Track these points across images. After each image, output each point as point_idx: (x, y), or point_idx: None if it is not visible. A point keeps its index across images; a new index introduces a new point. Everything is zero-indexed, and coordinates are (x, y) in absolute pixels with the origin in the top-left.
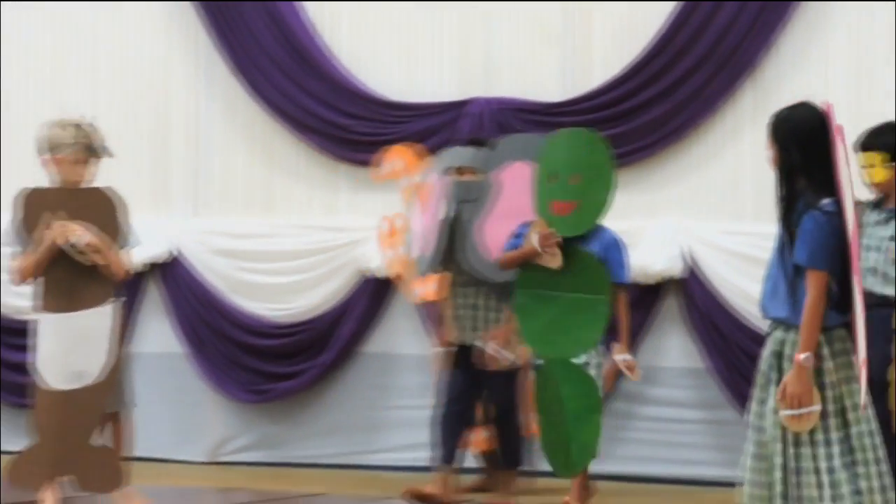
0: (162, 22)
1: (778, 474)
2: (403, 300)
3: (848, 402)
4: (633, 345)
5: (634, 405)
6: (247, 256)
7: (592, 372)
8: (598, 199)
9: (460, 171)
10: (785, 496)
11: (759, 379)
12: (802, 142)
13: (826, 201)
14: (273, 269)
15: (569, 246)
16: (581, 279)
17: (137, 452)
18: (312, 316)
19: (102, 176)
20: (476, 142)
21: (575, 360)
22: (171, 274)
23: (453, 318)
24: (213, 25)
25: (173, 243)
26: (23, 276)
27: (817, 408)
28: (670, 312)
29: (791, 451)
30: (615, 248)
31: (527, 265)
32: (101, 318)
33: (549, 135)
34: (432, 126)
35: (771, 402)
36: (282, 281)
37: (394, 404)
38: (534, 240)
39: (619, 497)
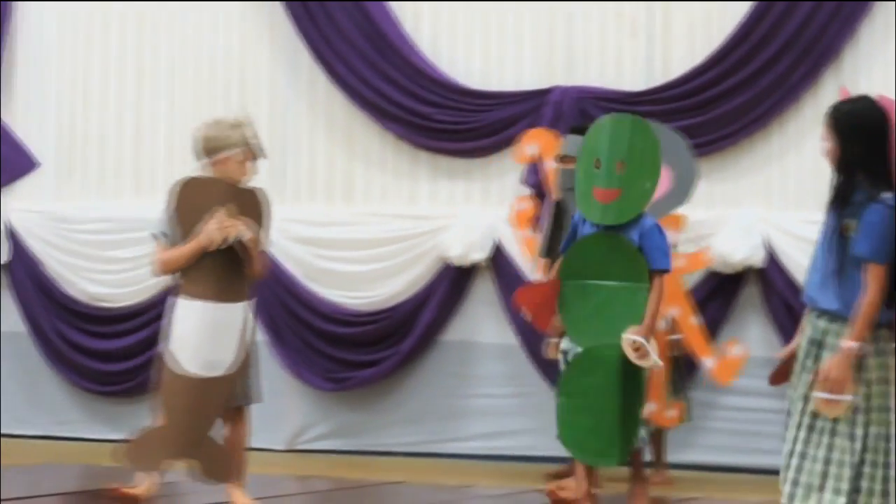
0: (244, 11)
1: (795, 461)
2: (484, 288)
3: (875, 402)
4: (652, 331)
5: (716, 395)
6: (327, 244)
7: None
8: (642, 187)
9: (564, 159)
10: (795, 482)
11: (795, 367)
12: (864, 135)
13: (888, 195)
14: (353, 257)
15: (610, 234)
16: (621, 268)
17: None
18: (392, 304)
19: (185, 164)
20: (580, 129)
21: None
22: None
23: None
24: (295, 15)
25: None
26: (168, 268)
27: (850, 398)
28: (751, 302)
29: (802, 434)
30: (654, 234)
31: (570, 253)
32: (239, 313)
33: (595, 120)
34: (513, 115)
35: (801, 390)
36: (362, 269)
37: (473, 393)
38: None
39: (700, 486)
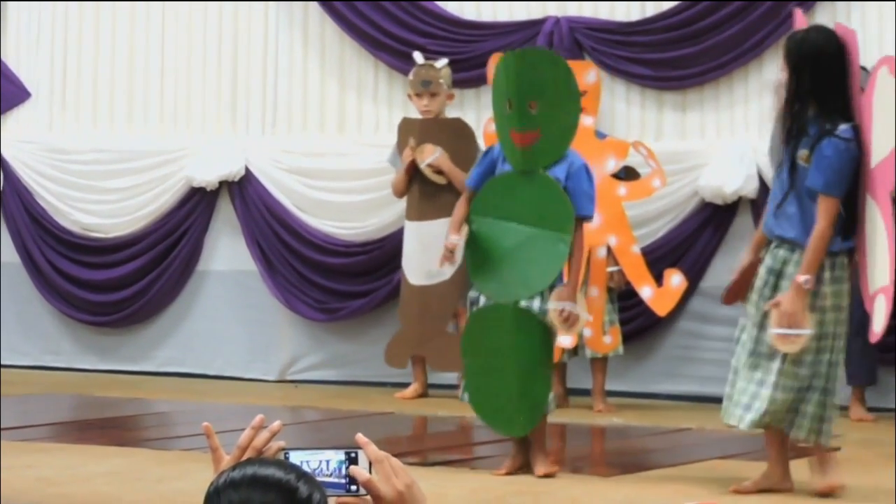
0: None
1: (741, 384)
2: None
3: (829, 329)
4: (576, 292)
5: (704, 325)
6: (319, 175)
7: (545, 318)
8: (563, 124)
9: None
10: (729, 397)
11: (753, 296)
12: (816, 66)
13: (843, 127)
14: (345, 187)
15: (533, 173)
16: (543, 211)
17: (209, 371)
18: (384, 235)
19: (178, 94)
20: None
21: (523, 304)
22: (244, 192)
23: None
24: None
25: (245, 161)
26: (394, 192)
27: (809, 331)
28: (743, 232)
29: (746, 359)
30: (582, 177)
31: (487, 188)
32: (443, 228)
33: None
34: (506, 45)
35: (756, 317)
36: (354, 200)
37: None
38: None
39: (690, 417)
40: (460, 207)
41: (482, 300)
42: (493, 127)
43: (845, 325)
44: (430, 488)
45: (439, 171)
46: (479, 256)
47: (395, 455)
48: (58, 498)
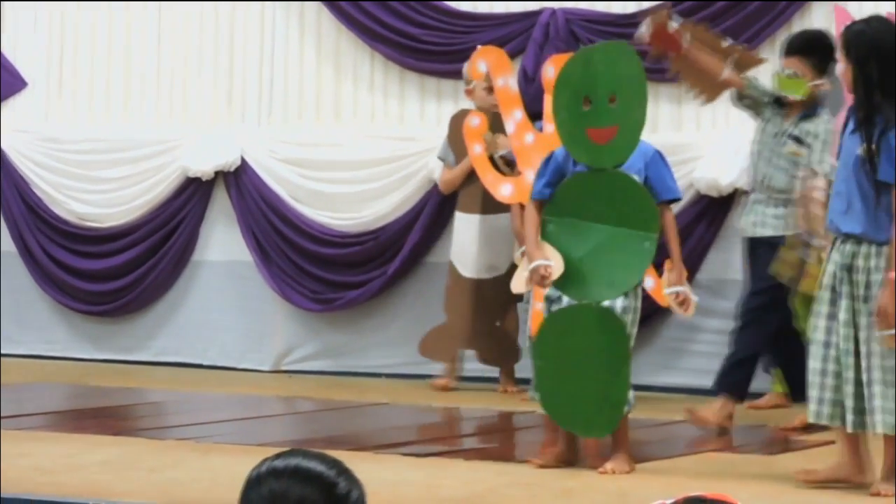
0: None
1: (850, 388)
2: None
3: None
4: (684, 275)
5: (699, 317)
6: (314, 165)
7: (627, 318)
8: (636, 116)
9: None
10: (860, 410)
11: (824, 294)
12: (878, 56)
13: None
14: (340, 178)
15: (612, 171)
16: (626, 210)
17: (204, 360)
18: (379, 225)
19: (174, 84)
20: None
21: (606, 304)
22: (239, 182)
23: None
24: None
25: (241, 151)
26: (448, 186)
27: None
28: (737, 225)
29: (864, 363)
30: (660, 163)
31: (562, 189)
32: (505, 222)
33: (574, 53)
34: (502, 36)
35: (842, 316)
36: (349, 190)
37: None
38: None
39: (683, 406)
40: (532, 221)
41: (565, 300)
42: (475, 122)
43: None
44: (422, 479)
45: (509, 164)
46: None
47: (390, 446)
48: (52, 487)
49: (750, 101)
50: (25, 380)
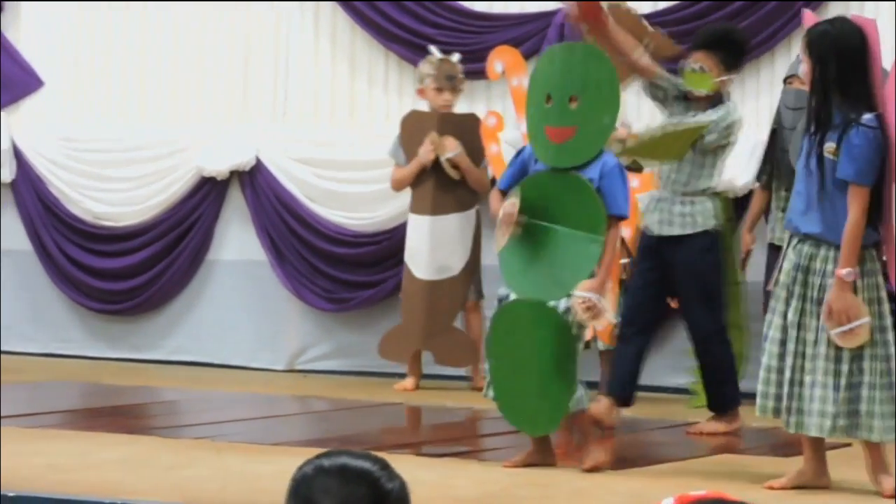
0: None
1: (789, 389)
2: (486, 209)
3: (875, 323)
4: (604, 286)
5: None
6: (329, 165)
7: (570, 318)
8: (600, 123)
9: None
10: (799, 411)
11: (780, 293)
12: (839, 56)
13: (867, 116)
14: (355, 177)
15: (568, 173)
16: (576, 213)
17: (218, 360)
18: (394, 225)
19: (190, 84)
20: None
21: (551, 304)
22: (254, 182)
23: None
24: None
25: (256, 150)
26: (399, 185)
27: (867, 319)
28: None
29: (809, 365)
30: (616, 177)
31: (520, 187)
32: (456, 223)
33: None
34: (517, 37)
35: (791, 317)
36: (364, 190)
37: None
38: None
39: (692, 410)
40: (495, 202)
41: (511, 297)
42: (491, 122)
43: (889, 317)
44: (436, 479)
45: (455, 167)
46: (510, 255)
47: (402, 446)
48: (66, 485)
49: (661, 92)
50: (40, 378)
